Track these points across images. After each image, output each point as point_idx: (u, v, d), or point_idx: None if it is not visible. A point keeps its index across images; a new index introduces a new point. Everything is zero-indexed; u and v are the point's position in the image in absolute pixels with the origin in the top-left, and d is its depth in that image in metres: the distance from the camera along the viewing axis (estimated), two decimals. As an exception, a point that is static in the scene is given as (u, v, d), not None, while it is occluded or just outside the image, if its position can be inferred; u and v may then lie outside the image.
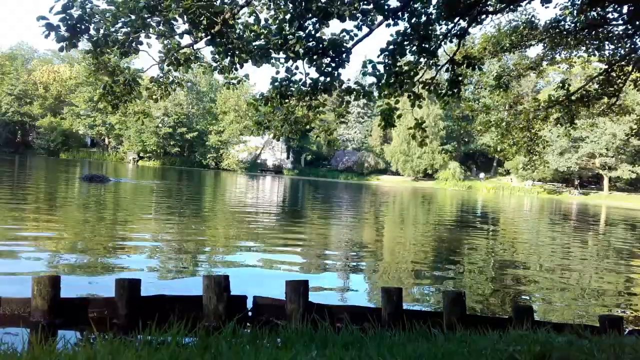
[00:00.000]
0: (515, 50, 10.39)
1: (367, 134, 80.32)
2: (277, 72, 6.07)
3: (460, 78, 6.57)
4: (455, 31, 6.63)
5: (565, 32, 9.23)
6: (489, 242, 15.34)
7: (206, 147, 73.77)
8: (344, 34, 5.82)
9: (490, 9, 7.10)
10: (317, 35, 5.74)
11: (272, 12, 5.74)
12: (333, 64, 5.92)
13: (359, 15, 5.63)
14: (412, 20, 6.03)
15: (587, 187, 68.24)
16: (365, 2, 5.59)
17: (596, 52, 9.92)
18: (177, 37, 5.49)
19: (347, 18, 5.47)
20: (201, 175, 53.25)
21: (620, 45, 9.61)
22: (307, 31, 5.69)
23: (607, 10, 8.41)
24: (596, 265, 11.87)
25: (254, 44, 5.52)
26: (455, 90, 6.53)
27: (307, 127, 6.72)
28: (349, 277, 8.81)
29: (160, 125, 69.81)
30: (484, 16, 6.92)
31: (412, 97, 6.43)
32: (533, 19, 9.76)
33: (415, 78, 6.37)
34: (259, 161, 78.39)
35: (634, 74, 9.89)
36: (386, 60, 6.07)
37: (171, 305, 5.26)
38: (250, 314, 5.60)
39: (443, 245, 13.78)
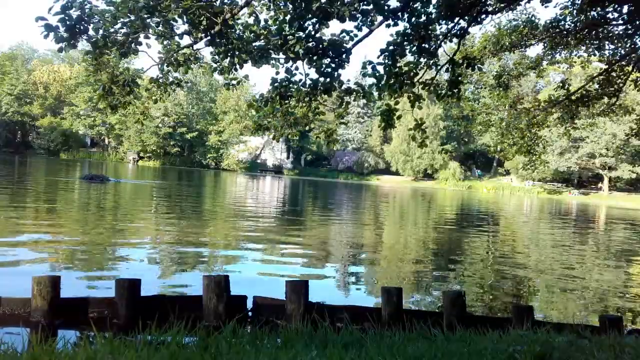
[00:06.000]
0: (515, 50, 10.38)
1: (367, 134, 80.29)
2: (277, 73, 6.07)
3: (460, 78, 6.56)
4: (455, 31, 6.62)
5: (565, 32, 9.22)
6: (489, 242, 15.34)
7: (206, 147, 73.80)
8: (344, 34, 5.82)
9: (490, 8, 7.09)
10: (317, 35, 5.73)
11: (272, 13, 5.72)
12: (333, 65, 5.92)
13: (358, 15, 5.62)
14: (412, 21, 6.02)
15: (587, 187, 68.23)
16: (365, 3, 5.58)
17: (596, 52, 9.91)
18: (176, 37, 5.49)
19: (347, 18, 5.46)
20: (201, 175, 53.25)
21: (620, 45, 9.60)
22: (307, 32, 5.68)
23: (607, 10, 8.40)
24: (596, 265, 11.87)
25: (253, 44, 5.52)
26: (455, 91, 6.52)
27: (307, 127, 6.71)
28: (349, 277, 8.81)
29: (160, 125, 69.81)
30: (483, 16, 6.91)
31: (412, 98, 6.42)
32: (533, 18, 9.76)
33: (415, 78, 6.36)
34: (259, 161, 78.39)
35: (634, 74, 9.88)
36: (386, 61, 6.05)
37: (171, 305, 5.26)
38: (250, 314, 5.61)
39: (443, 245, 13.78)
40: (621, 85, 9.97)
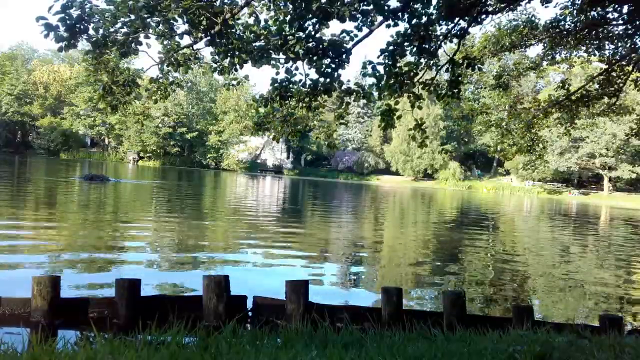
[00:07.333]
0: (515, 50, 10.39)
1: (367, 134, 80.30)
2: (277, 73, 6.07)
3: (460, 78, 6.56)
4: (455, 31, 6.63)
5: (565, 32, 9.22)
6: (489, 242, 15.34)
7: (206, 147, 73.81)
8: (344, 34, 5.82)
9: (490, 8, 7.09)
10: (317, 35, 5.73)
11: (272, 13, 5.73)
12: (333, 65, 5.91)
13: (358, 15, 5.62)
14: (412, 21, 6.02)
15: (587, 187, 68.23)
16: (365, 3, 5.58)
17: (596, 52, 9.91)
18: (176, 37, 5.49)
19: (347, 19, 5.46)
20: (201, 175, 53.25)
21: (620, 45, 9.60)
22: (307, 32, 5.68)
23: (607, 10, 8.41)
24: (596, 265, 11.86)
25: (253, 44, 5.52)
26: (455, 91, 6.52)
27: (307, 128, 6.71)
28: (349, 277, 8.81)
29: (160, 125, 69.82)
30: (484, 16, 6.91)
31: (411, 98, 6.42)
32: (533, 18, 9.76)
33: (415, 78, 6.36)
34: (259, 161, 78.39)
35: (634, 74, 9.88)
36: (386, 61, 6.06)
37: (171, 305, 5.26)
38: (250, 314, 5.61)
39: (443, 245, 13.78)
40: (621, 85, 9.97)
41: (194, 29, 5.24)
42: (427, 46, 6.13)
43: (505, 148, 12.15)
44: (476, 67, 6.72)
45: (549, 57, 10.43)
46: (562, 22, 9.17)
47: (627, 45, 9.39)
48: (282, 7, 5.65)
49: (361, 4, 5.56)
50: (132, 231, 12.11)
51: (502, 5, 7.42)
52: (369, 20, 5.74)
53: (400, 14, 5.94)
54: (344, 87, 6.16)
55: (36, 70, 77.13)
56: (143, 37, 5.09)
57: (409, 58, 6.30)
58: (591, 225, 25.59)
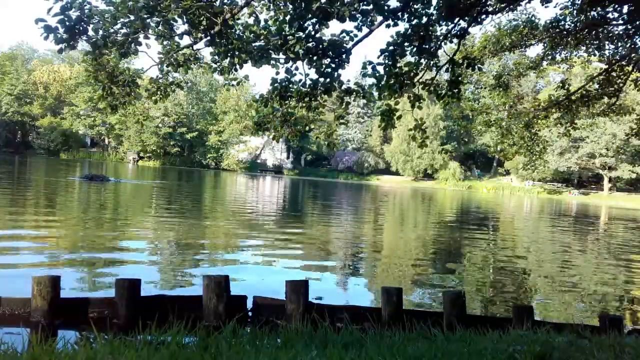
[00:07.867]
0: (515, 50, 10.38)
1: (367, 134, 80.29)
2: (277, 73, 6.07)
3: (460, 78, 6.56)
4: (455, 31, 6.62)
5: (565, 32, 9.22)
6: (489, 242, 15.34)
7: (206, 147, 73.83)
8: (344, 34, 5.82)
9: (490, 9, 7.09)
10: (317, 35, 5.72)
11: (272, 13, 5.73)
12: (333, 65, 5.91)
13: (358, 15, 5.62)
14: (412, 21, 6.02)
15: (587, 187, 68.24)
16: (365, 3, 5.58)
17: (596, 52, 9.90)
18: (176, 37, 5.49)
19: (347, 18, 5.46)
20: (201, 175, 53.26)
21: (620, 45, 9.60)
22: (306, 32, 5.68)
23: (607, 10, 8.40)
24: (596, 265, 11.86)
25: (253, 44, 5.51)
26: (455, 91, 6.52)
27: (307, 128, 6.71)
28: (349, 277, 8.81)
29: (160, 125, 69.83)
30: (484, 16, 6.91)
31: (412, 98, 6.42)
32: (533, 18, 9.76)
33: (415, 79, 6.36)
34: (259, 161, 78.40)
35: (634, 74, 9.88)
36: (386, 61, 6.05)
37: (171, 305, 5.26)
38: (250, 314, 5.61)
39: (443, 246, 13.78)
40: (621, 85, 9.97)
41: (193, 29, 5.24)
42: (427, 46, 6.13)
43: (505, 148, 12.15)
44: (476, 67, 6.71)
45: (549, 57, 10.42)
46: (562, 22, 9.17)
47: (627, 45, 9.39)
48: (282, 7, 5.65)
49: (361, 4, 5.55)
50: (132, 231, 12.11)
51: (502, 5, 7.42)
52: (368, 20, 5.74)
53: (400, 14, 5.94)
54: (344, 87, 6.16)
55: (36, 70, 77.10)
56: (143, 38, 5.09)
57: (409, 58, 6.29)
58: (591, 225, 25.59)
